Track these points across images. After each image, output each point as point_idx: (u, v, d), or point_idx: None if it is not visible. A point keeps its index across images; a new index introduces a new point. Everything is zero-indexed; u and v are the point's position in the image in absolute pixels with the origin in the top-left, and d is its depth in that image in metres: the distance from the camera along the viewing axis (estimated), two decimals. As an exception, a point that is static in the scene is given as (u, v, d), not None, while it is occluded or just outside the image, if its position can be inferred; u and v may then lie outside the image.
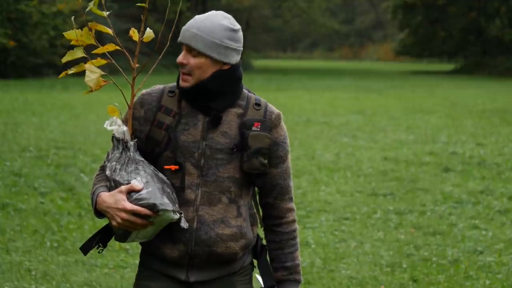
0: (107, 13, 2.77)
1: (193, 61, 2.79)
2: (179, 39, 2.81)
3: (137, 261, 6.34)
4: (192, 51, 2.78)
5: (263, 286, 2.93)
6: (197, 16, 2.85)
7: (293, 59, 67.24)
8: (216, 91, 2.81)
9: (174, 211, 2.69)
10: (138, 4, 2.86)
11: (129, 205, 2.66)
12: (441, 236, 7.44)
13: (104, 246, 2.88)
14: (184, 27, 2.81)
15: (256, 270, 3.01)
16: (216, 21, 2.80)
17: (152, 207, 2.66)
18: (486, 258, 6.70)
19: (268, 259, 2.99)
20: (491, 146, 13.31)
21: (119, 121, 2.78)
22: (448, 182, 10.11)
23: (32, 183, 9.21)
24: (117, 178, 2.72)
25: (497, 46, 43.66)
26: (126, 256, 6.56)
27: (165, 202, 2.68)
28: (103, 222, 2.84)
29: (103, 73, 2.78)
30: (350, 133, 15.17)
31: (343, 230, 7.69)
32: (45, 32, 29.53)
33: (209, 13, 2.85)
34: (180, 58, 2.80)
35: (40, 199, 8.51)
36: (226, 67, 2.81)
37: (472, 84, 32.38)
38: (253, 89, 27.52)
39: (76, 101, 20.21)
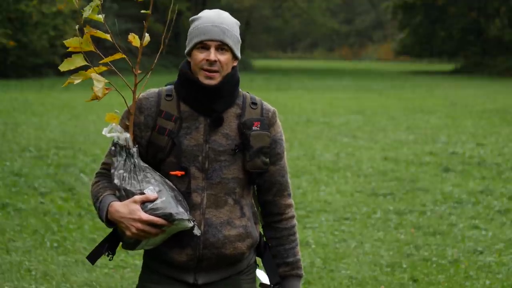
0: (102, 16, 2.73)
1: (222, 57, 2.75)
2: (205, 37, 2.73)
3: (137, 262, 6.35)
4: (224, 46, 2.75)
5: (269, 283, 2.93)
6: (209, 12, 2.80)
7: (293, 59, 67.19)
8: (226, 91, 2.80)
9: (189, 220, 2.68)
10: (143, 11, 2.82)
11: (145, 216, 2.64)
12: (441, 236, 7.44)
13: (113, 253, 2.84)
14: (208, 24, 2.75)
15: (257, 267, 3.01)
16: (230, 17, 2.81)
17: (168, 216, 2.64)
18: (486, 258, 6.70)
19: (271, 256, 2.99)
20: (491, 146, 13.31)
21: (119, 128, 2.74)
22: (448, 182, 10.10)
23: (32, 183, 9.21)
24: (128, 187, 2.69)
25: (497, 46, 43.66)
26: (126, 256, 6.56)
27: (180, 211, 2.66)
28: (102, 222, 2.81)
29: (107, 81, 2.75)
30: (350, 133, 15.17)
31: (343, 230, 7.69)
32: (45, 32, 29.50)
33: (217, 10, 2.84)
34: (213, 56, 2.73)
35: (40, 199, 8.51)
36: (235, 64, 2.83)
37: (472, 84, 32.37)
38: (253, 89, 27.55)
39: (76, 101, 20.20)
